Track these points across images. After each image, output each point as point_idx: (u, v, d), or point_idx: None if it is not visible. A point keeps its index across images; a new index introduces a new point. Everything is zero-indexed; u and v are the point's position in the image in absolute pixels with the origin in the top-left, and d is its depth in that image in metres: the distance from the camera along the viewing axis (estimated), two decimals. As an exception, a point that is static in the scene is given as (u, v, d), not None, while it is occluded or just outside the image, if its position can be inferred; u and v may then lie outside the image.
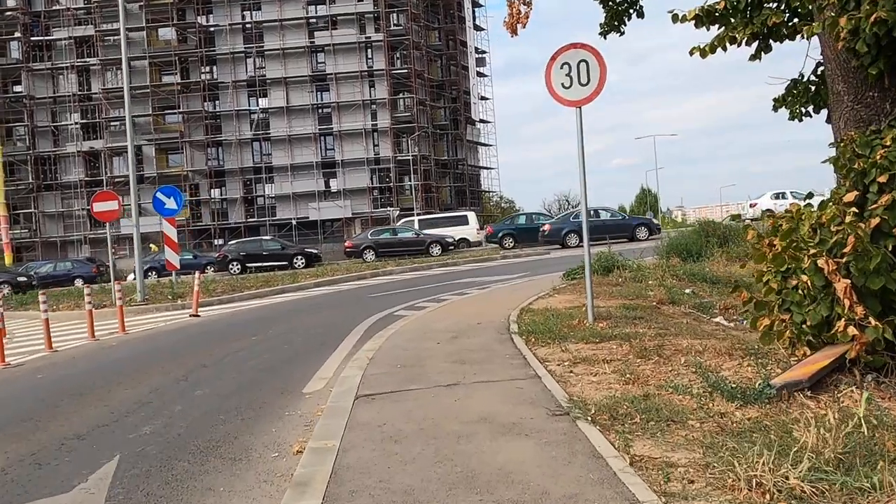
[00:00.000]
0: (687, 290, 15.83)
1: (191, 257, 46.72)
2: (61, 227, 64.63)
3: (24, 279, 41.07)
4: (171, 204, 20.84)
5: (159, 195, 21.03)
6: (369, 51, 66.13)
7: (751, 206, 46.36)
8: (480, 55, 77.09)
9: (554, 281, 18.53)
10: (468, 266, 28.10)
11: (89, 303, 15.79)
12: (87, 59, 65.26)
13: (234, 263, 40.57)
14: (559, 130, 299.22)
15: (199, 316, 17.68)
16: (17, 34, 64.96)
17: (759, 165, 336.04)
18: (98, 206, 20.90)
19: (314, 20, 65.44)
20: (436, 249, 39.11)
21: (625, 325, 10.33)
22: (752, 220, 45.82)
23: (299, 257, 40.71)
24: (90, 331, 15.35)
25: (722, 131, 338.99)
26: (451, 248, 40.06)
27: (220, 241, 58.40)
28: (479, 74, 76.92)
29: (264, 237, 47.49)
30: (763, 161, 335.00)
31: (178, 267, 21.74)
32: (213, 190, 66.63)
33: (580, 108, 10.58)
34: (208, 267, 43.25)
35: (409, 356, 9.25)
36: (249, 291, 22.35)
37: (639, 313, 11.61)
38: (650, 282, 16.47)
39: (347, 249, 41.58)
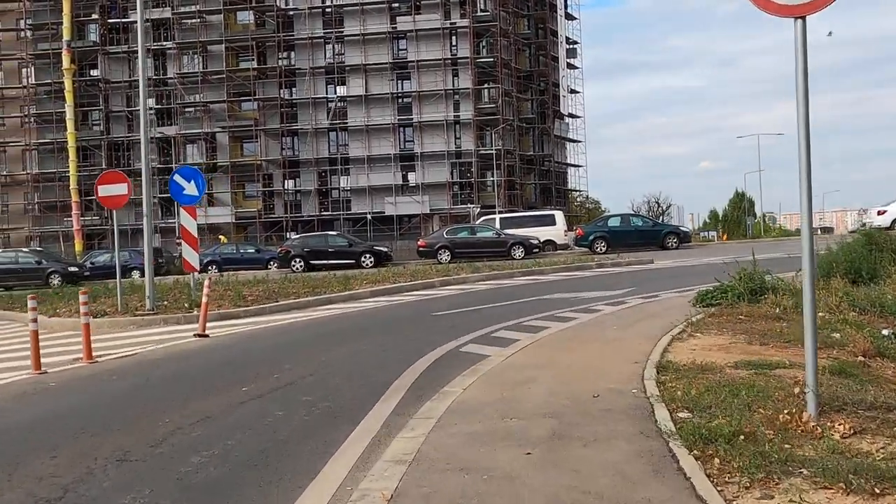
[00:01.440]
0: (884, 331, 10.67)
1: (253, 251, 42.89)
2: (132, 215, 61.80)
3: (76, 269, 37.66)
4: (191, 189, 16.38)
5: (177, 178, 16.58)
6: (454, 38, 61.44)
7: (878, 213, 39.97)
8: (571, 46, 71.56)
9: (677, 305, 13.55)
10: (558, 275, 23.10)
11: (86, 313, 11.53)
12: (164, 43, 62.30)
13: (297, 260, 36.39)
14: (645, 134, 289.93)
15: (206, 336, 13.19)
16: (95, 16, 62.35)
17: (856, 173, 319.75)
18: (103, 190, 16.67)
19: (396, 4, 60.98)
20: (518, 252, 34.23)
21: (878, 426, 5.37)
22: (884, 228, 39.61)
23: (368, 255, 36.29)
24: (86, 350, 11.13)
25: (813, 137, 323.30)
26: (536, 250, 35.12)
27: (293, 235, 54.54)
28: (570, 66, 71.39)
29: (330, 232, 43.22)
30: (857, 168, 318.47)
31: (198, 268, 17.35)
32: (286, 181, 62.90)
33: (803, 18, 5.69)
34: (271, 262, 39.30)
35: (467, 490, 4.45)
36: (288, 301, 17.80)
37: (872, 390, 6.62)
38: (824, 315, 11.33)
39: (420, 249, 37.00)
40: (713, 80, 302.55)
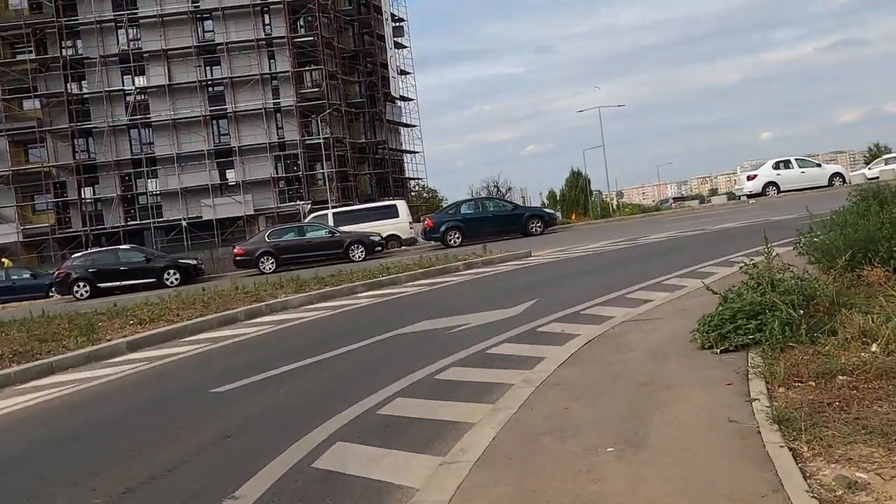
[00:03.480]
0: None
1: (29, 276, 33.89)
2: None
3: None
4: None
5: None
6: (266, 16, 53.63)
7: (749, 178, 35.93)
8: (398, 24, 65.06)
9: (656, 342, 7.37)
10: (417, 285, 16.45)
11: None
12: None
13: (81, 284, 28.11)
14: (475, 121, 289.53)
15: None
16: None
17: (670, 148, 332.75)
18: None
19: (197, -20, 52.48)
20: (358, 252, 27.65)
21: None
22: (753, 195, 35.63)
23: (172, 271, 28.49)
24: None
25: (631, 115, 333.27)
26: (379, 248, 28.54)
27: (90, 251, 45.15)
28: (398, 46, 64.94)
29: (121, 246, 34.64)
30: (671, 144, 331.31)
31: None
32: (83, 189, 53.06)
33: None
34: (53, 289, 30.64)
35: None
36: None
37: None
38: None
39: (238, 258, 29.54)
40: (533, 67, 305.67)
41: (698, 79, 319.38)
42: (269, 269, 27.41)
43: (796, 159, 35.81)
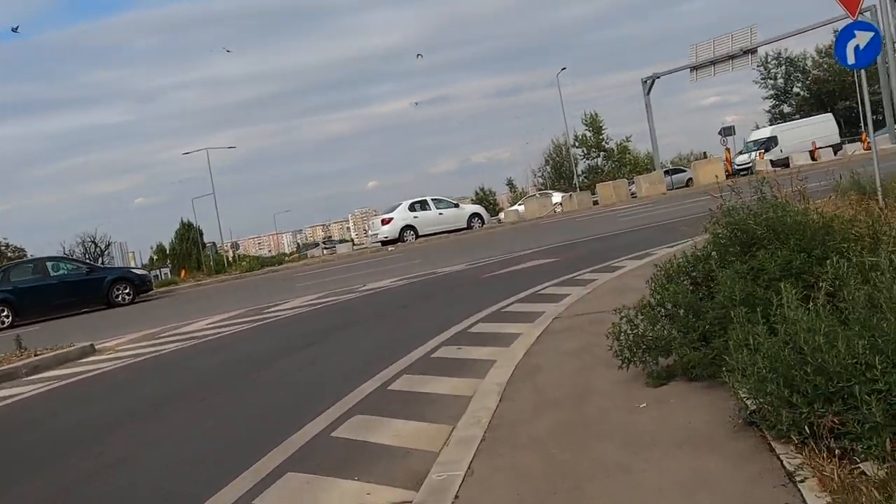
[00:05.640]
0: None
1: None
2: None
3: None
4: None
5: None
6: None
7: (384, 222, 31.03)
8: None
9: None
10: None
11: None
12: None
13: None
14: (76, 173, 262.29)
15: None
16: None
17: (287, 197, 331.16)
18: None
19: None
20: None
21: None
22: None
23: None
24: None
25: (250, 165, 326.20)
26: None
27: None
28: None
29: None
30: (288, 193, 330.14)
31: None
32: None
33: None
34: None
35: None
36: None
37: None
38: None
39: None
40: (140, 115, 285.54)
41: (311, 129, 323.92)
42: None
43: (432, 199, 31.83)
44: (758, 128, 53.21)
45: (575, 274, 11.60)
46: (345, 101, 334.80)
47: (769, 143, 41.47)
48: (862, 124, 52.80)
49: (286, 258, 54.04)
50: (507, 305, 9.80)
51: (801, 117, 53.74)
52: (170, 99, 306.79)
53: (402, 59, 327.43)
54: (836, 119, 44.97)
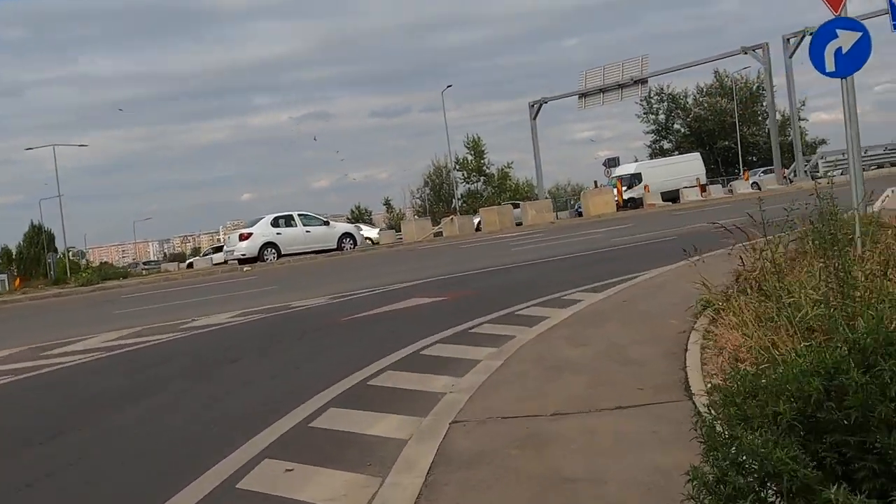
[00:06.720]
0: None
1: None
2: None
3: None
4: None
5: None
6: None
7: (242, 238, 26.94)
8: None
9: None
10: None
11: None
12: None
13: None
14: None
15: None
16: None
17: (157, 204, 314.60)
18: None
19: None
20: None
21: None
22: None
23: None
24: None
25: (123, 168, 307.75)
26: None
27: None
28: None
29: None
30: (158, 200, 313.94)
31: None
32: None
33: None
34: None
35: None
36: None
37: None
38: None
39: None
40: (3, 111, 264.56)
41: (186, 136, 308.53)
42: None
43: (299, 215, 28.13)
44: (637, 160, 52.31)
45: (471, 325, 8.43)
46: (226, 108, 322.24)
47: (633, 180, 39.98)
48: (740, 164, 52.93)
49: (131, 271, 48.59)
50: (373, 376, 6.53)
51: (681, 153, 53.23)
52: (36, 95, 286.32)
53: (285, 71, 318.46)
54: (714, 158, 44.34)
